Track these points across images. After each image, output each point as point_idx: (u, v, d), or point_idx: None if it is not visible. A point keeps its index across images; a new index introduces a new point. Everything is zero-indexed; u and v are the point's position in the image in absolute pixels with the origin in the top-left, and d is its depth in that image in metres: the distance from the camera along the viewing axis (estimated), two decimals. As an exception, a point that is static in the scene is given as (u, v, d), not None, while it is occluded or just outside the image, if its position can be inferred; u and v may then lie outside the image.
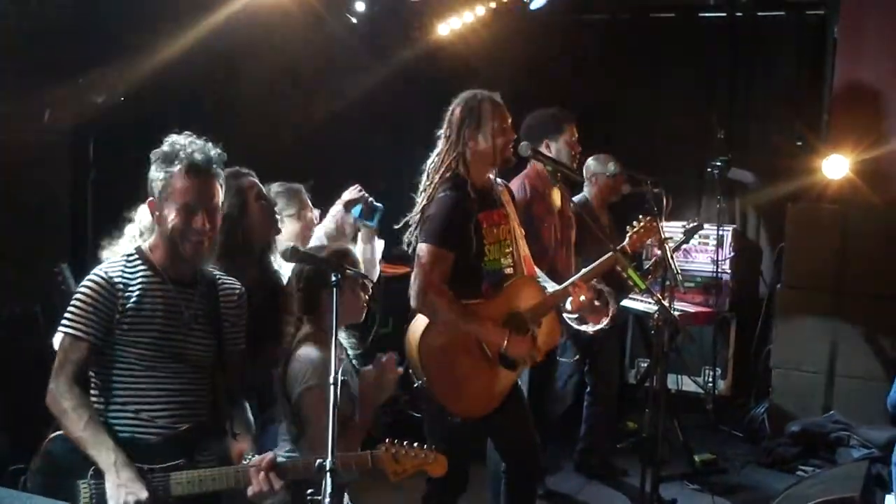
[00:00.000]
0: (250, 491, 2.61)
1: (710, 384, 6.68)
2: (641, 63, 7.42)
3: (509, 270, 3.73)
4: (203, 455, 2.73)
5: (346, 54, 6.51)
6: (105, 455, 2.55)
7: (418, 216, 3.64)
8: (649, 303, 5.44)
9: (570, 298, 3.81)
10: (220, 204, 2.76)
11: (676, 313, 5.42)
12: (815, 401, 6.01)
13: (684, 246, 6.21)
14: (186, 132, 2.75)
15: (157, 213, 2.71)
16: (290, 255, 2.88)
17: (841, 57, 6.33)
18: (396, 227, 3.76)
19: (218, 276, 2.88)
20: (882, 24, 6.19)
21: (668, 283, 5.22)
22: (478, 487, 4.42)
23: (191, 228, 2.66)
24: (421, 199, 3.67)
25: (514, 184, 4.61)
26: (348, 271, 2.88)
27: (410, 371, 3.57)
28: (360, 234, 4.21)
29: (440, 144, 3.72)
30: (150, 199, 2.74)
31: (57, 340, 2.77)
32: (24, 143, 4.71)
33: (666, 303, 4.64)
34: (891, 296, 5.78)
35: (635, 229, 4.08)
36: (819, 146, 6.35)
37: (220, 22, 5.15)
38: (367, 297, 3.21)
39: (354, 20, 6.30)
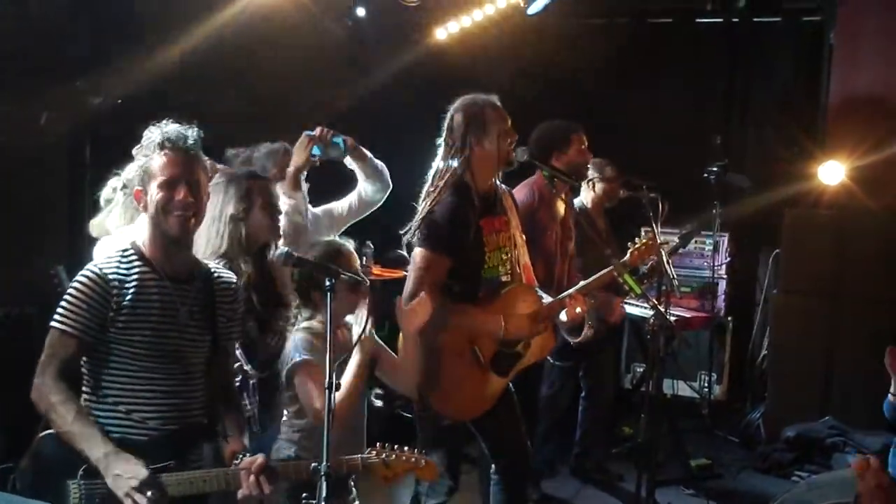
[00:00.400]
0: (240, 494, 2.60)
1: (706, 389, 6.68)
2: (638, 68, 7.43)
3: (506, 278, 3.73)
4: (194, 456, 2.72)
5: (344, 59, 6.52)
6: (95, 448, 2.53)
7: (419, 220, 3.63)
8: (645, 307, 5.44)
9: (565, 310, 3.81)
10: (205, 183, 2.72)
11: (672, 318, 5.42)
12: (810, 406, 6.01)
13: (680, 250, 6.21)
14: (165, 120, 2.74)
15: (144, 200, 2.68)
16: (285, 259, 2.88)
17: (837, 63, 6.36)
18: (396, 235, 3.75)
19: (213, 270, 2.86)
20: (878, 30, 6.22)
21: (664, 287, 5.22)
22: (470, 488, 4.43)
23: (173, 201, 2.63)
24: (423, 205, 3.65)
25: (522, 189, 4.63)
26: (342, 276, 2.87)
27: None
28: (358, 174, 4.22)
29: (442, 152, 3.70)
30: (136, 189, 2.72)
31: None
32: (22, 145, 4.72)
33: (662, 308, 4.64)
34: (887, 301, 5.79)
35: (637, 245, 4.07)
36: (815, 152, 6.36)
37: (218, 26, 5.16)
38: (365, 297, 3.21)
39: (353, 24, 6.31)
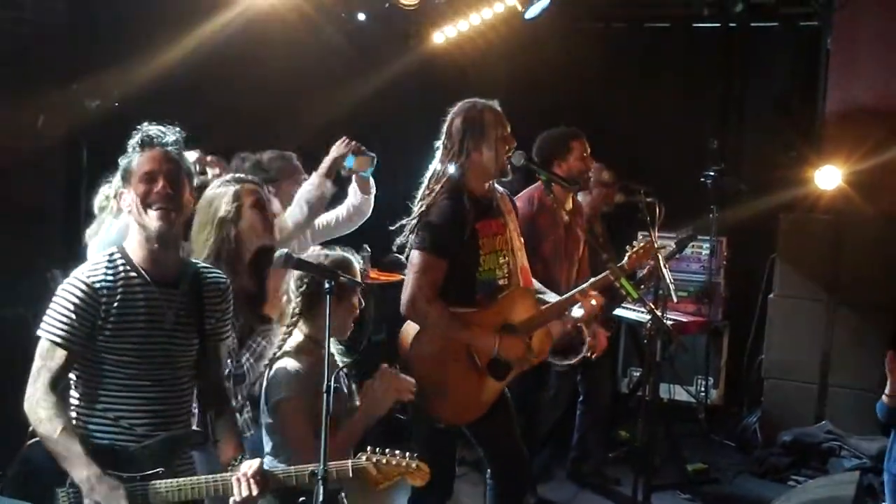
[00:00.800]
0: (232, 501, 2.57)
1: (703, 393, 6.69)
2: (636, 72, 7.45)
3: (503, 281, 3.73)
4: (184, 463, 2.70)
5: (342, 62, 6.52)
6: (79, 469, 2.50)
7: (415, 223, 3.64)
8: (642, 312, 5.45)
9: (577, 305, 3.82)
10: (185, 180, 2.68)
11: (669, 322, 5.42)
12: (807, 410, 6.02)
13: (677, 255, 6.22)
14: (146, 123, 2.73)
15: (127, 200, 2.66)
16: (284, 261, 2.87)
17: (834, 68, 6.37)
18: (394, 239, 3.75)
19: (201, 269, 2.82)
20: (875, 35, 6.23)
21: (661, 292, 5.23)
22: (464, 492, 4.42)
23: (152, 193, 2.60)
24: (418, 207, 3.66)
25: (523, 196, 4.63)
26: (342, 279, 2.87)
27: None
28: (352, 184, 4.22)
29: (440, 155, 3.71)
30: (120, 191, 2.70)
31: None
32: (18, 149, 4.72)
33: (658, 312, 4.64)
34: (883, 306, 5.80)
35: (634, 249, 4.07)
36: (812, 156, 6.36)
37: (217, 29, 5.17)
38: (360, 304, 3.20)
39: (352, 28, 6.32)
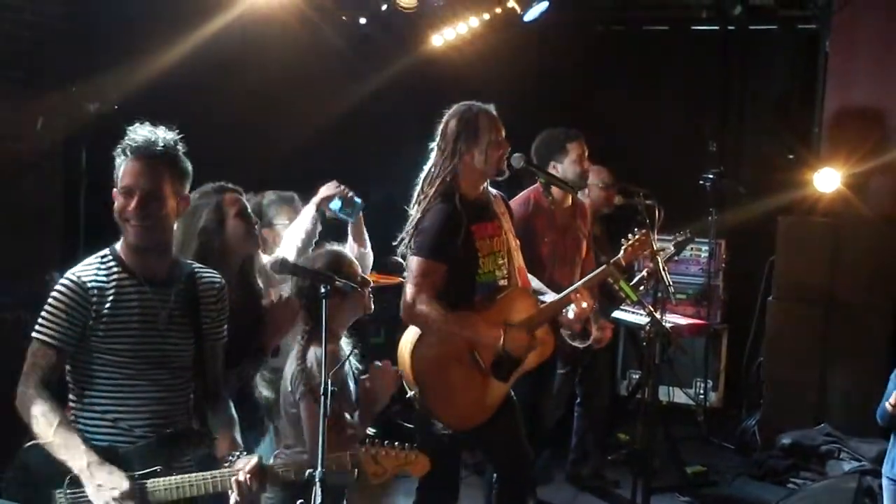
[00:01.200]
0: (232, 499, 2.57)
1: (702, 396, 6.69)
2: (634, 75, 7.45)
3: (503, 282, 3.74)
4: (182, 461, 2.70)
5: (340, 64, 6.52)
6: (77, 458, 2.51)
7: (412, 228, 3.64)
8: (641, 314, 5.45)
9: (571, 306, 3.82)
10: (170, 189, 2.65)
11: (668, 325, 5.42)
12: (806, 413, 6.02)
13: (676, 257, 6.22)
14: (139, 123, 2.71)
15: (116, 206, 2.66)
16: (280, 267, 2.86)
17: (833, 71, 6.37)
18: (392, 240, 3.75)
19: (196, 270, 2.81)
20: (873, 38, 6.24)
21: (660, 294, 5.23)
22: (469, 495, 4.41)
23: (127, 210, 2.60)
24: (415, 211, 3.67)
25: (520, 198, 4.63)
26: (337, 283, 2.86)
27: (403, 382, 3.57)
28: (349, 239, 4.20)
29: (434, 156, 3.72)
30: (114, 191, 2.69)
31: None
32: (18, 151, 4.72)
33: (658, 315, 4.64)
34: (881, 308, 5.80)
35: (630, 242, 4.09)
36: (811, 159, 6.38)
37: (215, 31, 5.16)
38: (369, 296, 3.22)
39: (349, 31, 6.32)
